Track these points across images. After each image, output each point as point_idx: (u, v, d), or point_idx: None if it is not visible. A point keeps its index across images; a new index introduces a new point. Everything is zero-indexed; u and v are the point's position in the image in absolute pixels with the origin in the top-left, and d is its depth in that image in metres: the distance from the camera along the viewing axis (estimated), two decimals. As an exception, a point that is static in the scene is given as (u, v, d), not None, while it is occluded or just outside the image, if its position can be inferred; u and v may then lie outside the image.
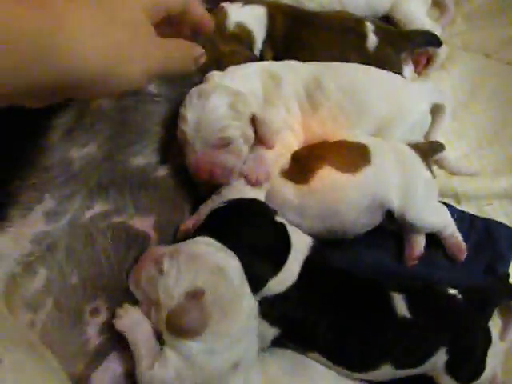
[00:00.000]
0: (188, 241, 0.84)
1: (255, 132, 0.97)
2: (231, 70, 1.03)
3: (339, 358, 0.86)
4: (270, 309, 0.84)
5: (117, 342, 0.87)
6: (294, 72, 1.05)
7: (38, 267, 0.87)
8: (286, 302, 0.85)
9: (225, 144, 0.93)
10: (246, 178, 0.96)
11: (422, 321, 0.86)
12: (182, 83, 1.04)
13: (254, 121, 0.96)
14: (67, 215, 0.90)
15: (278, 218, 0.89)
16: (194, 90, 0.95)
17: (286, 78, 1.03)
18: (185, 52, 0.78)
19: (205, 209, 0.95)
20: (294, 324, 0.85)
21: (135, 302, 0.86)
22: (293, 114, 1.03)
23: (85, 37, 0.61)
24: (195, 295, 0.76)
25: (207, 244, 0.83)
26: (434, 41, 1.23)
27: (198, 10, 0.79)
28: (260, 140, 0.97)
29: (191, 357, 0.76)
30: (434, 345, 0.86)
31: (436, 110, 1.12)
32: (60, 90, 0.63)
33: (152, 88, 1.02)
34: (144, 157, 0.99)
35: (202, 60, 0.80)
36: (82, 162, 0.92)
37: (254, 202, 0.92)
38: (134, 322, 0.81)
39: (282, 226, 0.88)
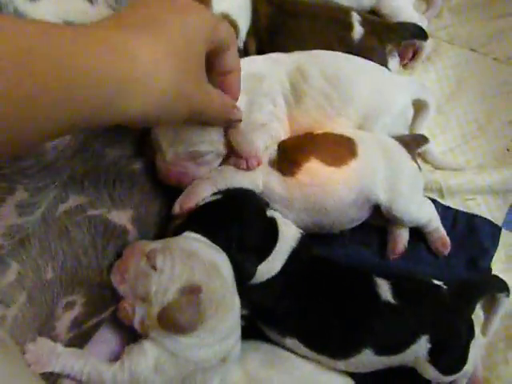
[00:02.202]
0: (177, 237, 0.84)
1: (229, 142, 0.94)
2: None
3: (319, 343, 0.87)
4: (247, 294, 0.85)
5: (84, 341, 0.87)
6: (278, 64, 1.03)
7: (10, 261, 0.83)
8: (266, 290, 0.86)
9: (196, 157, 0.92)
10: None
11: (405, 306, 0.86)
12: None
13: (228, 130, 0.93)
14: (41, 207, 0.86)
15: (269, 212, 0.90)
16: None
17: (270, 72, 1.02)
18: (224, 109, 0.79)
19: (201, 188, 0.93)
20: (273, 310, 0.87)
21: (113, 296, 0.85)
22: (278, 106, 1.02)
23: (160, 74, 0.63)
24: (192, 291, 0.76)
25: (197, 240, 0.83)
26: (421, 33, 1.22)
27: (233, 60, 0.78)
28: (234, 151, 0.95)
29: (178, 351, 0.76)
30: (416, 331, 0.86)
31: (419, 105, 1.11)
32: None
33: None
34: (120, 148, 0.95)
35: (235, 124, 0.84)
36: (56, 151, 0.87)
37: (247, 195, 0.92)
38: (51, 353, 0.79)
39: (272, 220, 0.89)
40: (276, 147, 0.98)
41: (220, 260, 0.82)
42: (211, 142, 0.91)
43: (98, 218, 0.90)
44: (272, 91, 1.01)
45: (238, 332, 0.83)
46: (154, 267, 0.78)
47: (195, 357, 0.77)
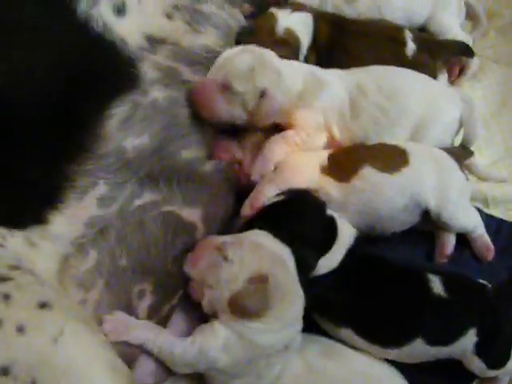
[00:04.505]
0: (247, 232, 0.93)
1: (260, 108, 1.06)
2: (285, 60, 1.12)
3: (374, 332, 0.94)
4: (307, 286, 0.92)
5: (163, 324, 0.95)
6: (341, 81, 1.12)
7: (90, 249, 0.92)
8: (325, 283, 0.94)
9: (225, 88, 1.04)
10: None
11: (455, 301, 0.93)
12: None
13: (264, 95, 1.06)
14: (118, 201, 0.95)
15: (329, 212, 0.99)
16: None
17: (333, 86, 1.11)
18: None
19: (266, 190, 1.02)
20: (330, 302, 0.95)
21: (179, 285, 0.95)
22: (330, 121, 1.10)
23: None
24: (261, 280, 0.84)
25: (264, 235, 0.92)
26: (467, 51, 1.30)
27: None
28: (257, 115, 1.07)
29: (247, 334, 0.83)
30: (465, 324, 0.92)
31: (467, 118, 1.16)
32: None
33: None
34: (192, 151, 1.05)
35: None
36: (135, 151, 0.97)
37: (307, 196, 1.00)
38: (127, 325, 0.87)
39: (331, 219, 0.97)
40: (326, 156, 1.06)
41: (285, 253, 0.90)
42: (243, 86, 1.05)
43: (171, 215, 1.00)
44: (328, 104, 1.10)
45: (301, 322, 0.90)
46: (225, 258, 0.86)
47: (261, 341, 0.84)
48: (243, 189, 1.08)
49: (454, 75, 1.33)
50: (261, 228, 0.93)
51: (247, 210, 1.01)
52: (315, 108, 1.10)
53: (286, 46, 1.18)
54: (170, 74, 1.04)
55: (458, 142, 1.18)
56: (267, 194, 1.01)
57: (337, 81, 1.12)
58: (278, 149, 1.07)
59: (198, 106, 1.05)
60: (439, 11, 1.34)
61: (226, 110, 1.07)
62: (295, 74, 1.11)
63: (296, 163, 1.07)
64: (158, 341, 0.85)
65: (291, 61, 1.14)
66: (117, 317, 0.88)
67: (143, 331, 0.86)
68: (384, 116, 1.09)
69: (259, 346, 0.85)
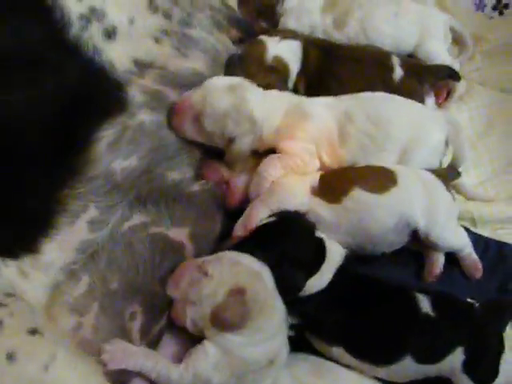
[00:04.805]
0: (226, 251, 0.98)
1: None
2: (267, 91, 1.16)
3: (364, 351, 0.96)
4: (298, 305, 0.97)
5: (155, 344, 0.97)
6: (329, 109, 1.15)
7: (81, 274, 0.94)
8: (315, 302, 0.98)
9: (196, 120, 1.09)
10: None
11: (443, 319, 0.96)
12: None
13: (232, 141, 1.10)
14: (109, 224, 0.97)
15: (317, 233, 1.02)
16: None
17: (318, 117, 1.14)
18: None
19: (258, 211, 1.05)
20: (322, 321, 0.98)
21: (165, 304, 0.97)
22: (320, 148, 1.13)
23: None
24: (238, 292, 0.89)
25: (243, 254, 0.96)
26: (454, 75, 1.33)
27: None
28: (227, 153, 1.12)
29: (231, 349, 0.87)
30: (453, 342, 0.95)
31: (454, 140, 1.20)
32: None
33: None
34: (180, 172, 1.08)
35: None
36: (124, 173, 0.99)
37: (297, 218, 1.04)
38: (125, 352, 0.89)
39: (320, 240, 1.01)
40: (317, 178, 1.09)
41: (262, 269, 0.94)
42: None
43: (159, 236, 1.02)
44: (315, 133, 1.13)
45: (284, 335, 0.94)
46: (205, 273, 0.91)
47: (245, 355, 0.88)
48: (231, 208, 1.13)
49: (441, 98, 1.37)
50: (251, 248, 0.97)
51: (240, 230, 1.04)
52: (300, 139, 1.13)
53: (275, 74, 1.23)
54: (156, 98, 1.07)
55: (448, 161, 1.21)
56: (260, 215, 1.04)
57: (324, 110, 1.15)
58: (273, 169, 1.11)
59: (171, 126, 1.08)
60: (427, 39, 1.39)
61: (196, 137, 1.11)
62: (275, 110, 1.14)
63: (288, 185, 1.10)
64: (156, 368, 0.88)
65: (275, 94, 1.17)
66: (115, 346, 0.90)
67: (141, 359, 0.89)
68: (371, 142, 1.12)
69: (244, 360, 0.88)
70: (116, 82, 1.01)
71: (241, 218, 1.05)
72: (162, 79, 1.08)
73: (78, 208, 0.94)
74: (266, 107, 1.13)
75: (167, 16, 1.12)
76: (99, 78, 0.99)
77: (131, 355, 0.89)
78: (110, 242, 0.97)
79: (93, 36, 0.99)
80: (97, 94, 0.99)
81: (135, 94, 1.03)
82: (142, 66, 1.05)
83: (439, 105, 1.36)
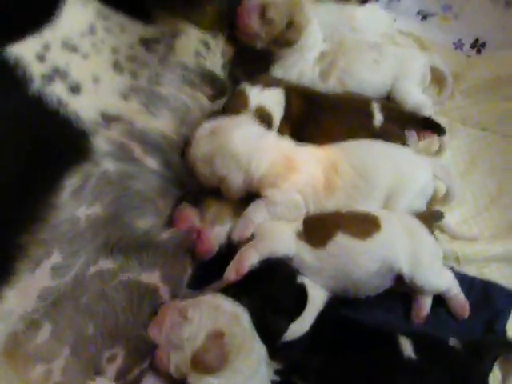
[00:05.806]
0: (206, 295, 1.02)
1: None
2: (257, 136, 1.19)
3: None
4: (282, 350, 1.00)
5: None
6: (315, 162, 1.18)
7: (42, 322, 0.93)
8: (298, 347, 1.01)
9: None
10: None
11: (425, 362, 0.98)
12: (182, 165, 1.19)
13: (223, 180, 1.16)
14: (73, 270, 0.97)
15: (299, 279, 1.06)
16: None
17: (306, 169, 1.16)
18: None
19: (249, 256, 1.08)
20: (304, 364, 1.00)
21: (151, 348, 0.99)
22: (306, 198, 1.16)
23: None
24: (217, 335, 0.92)
25: (222, 297, 1.00)
26: (439, 129, 1.34)
27: None
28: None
29: None
30: None
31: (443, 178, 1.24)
32: None
33: (153, 164, 1.14)
34: (147, 221, 1.09)
35: None
36: (88, 221, 1.00)
37: (281, 265, 1.07)
38: None
39: (302, 286, 1.05)
40: (301, 223, 1.12)
41: (240, 312, 0.98)
42: None
43: (131, 282, 1.04)
44: (302, 183, 1.15)
45: (263, 376, 0.96)
46: (185, 317, 0.95)
47: None
48: (200, 258, 1.15)
49: (426, 135, 1.37)
50: (236, 293, 1.01)
51: (232, 275, 1.06)
52: (287, 189, 1.15)
53: (259, 122, 1.23)
54: (122, 149, 1.08)
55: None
56: (251, 260, 1.06)
57: (312, 162, 1.18)
58: (260, 213, 1.14)
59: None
60: (401, 80, 1.42)
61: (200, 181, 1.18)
62: (262, 151, 1.16)
63: (274, 230, 1.13)
64: None
65: (266, 139, 1.19)
66: None
67: None
68: (358, 192, 1.15)
69: None
70: (81, 132, 1.03)
71: (231, 263, 1.07)
72: (128, 133, 1.10)
73: (40, 254, 0.94)
74: (252, 146, 1.16)
75: (134, 76, 1.15)
76: (64, 128, 1.02)
77: None
78: (76, 287, 0.97)
79: (56, 91, 1.02)
80: (60, 143, 1.02)
81: (101, 143, 1.05)
82: (108, 118, 1.08)
83: (423, 138, 1.37)
